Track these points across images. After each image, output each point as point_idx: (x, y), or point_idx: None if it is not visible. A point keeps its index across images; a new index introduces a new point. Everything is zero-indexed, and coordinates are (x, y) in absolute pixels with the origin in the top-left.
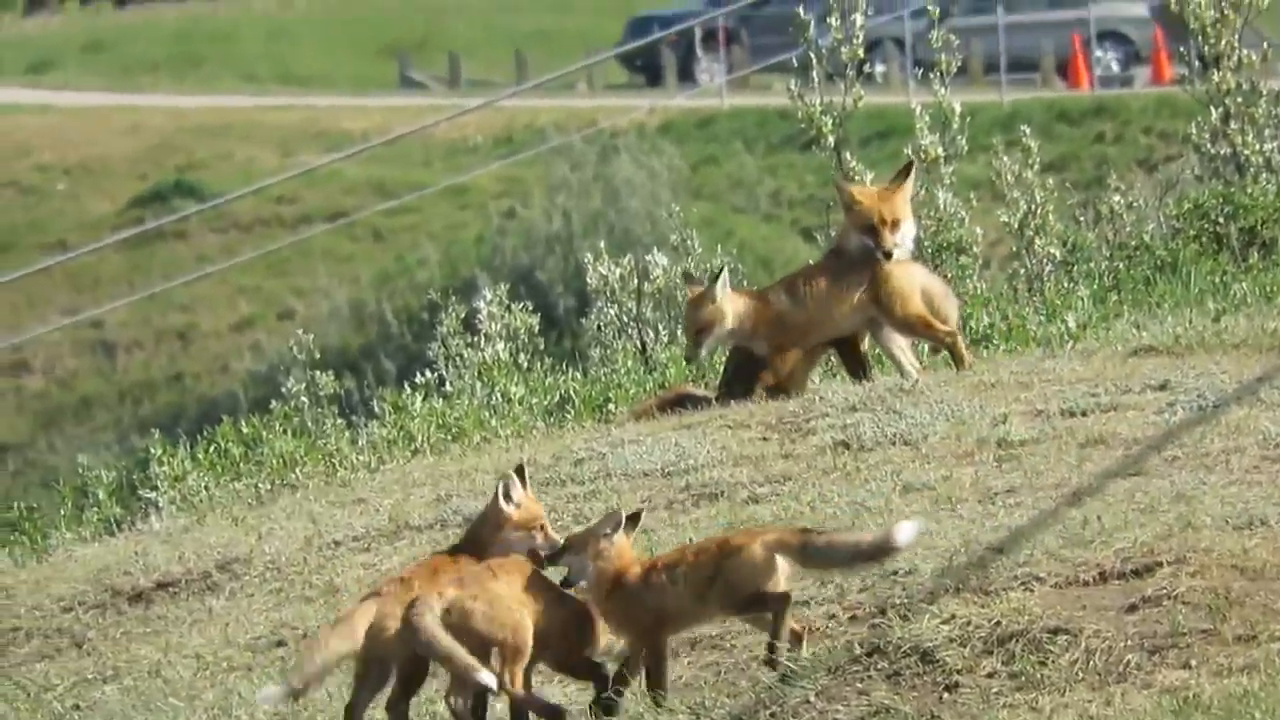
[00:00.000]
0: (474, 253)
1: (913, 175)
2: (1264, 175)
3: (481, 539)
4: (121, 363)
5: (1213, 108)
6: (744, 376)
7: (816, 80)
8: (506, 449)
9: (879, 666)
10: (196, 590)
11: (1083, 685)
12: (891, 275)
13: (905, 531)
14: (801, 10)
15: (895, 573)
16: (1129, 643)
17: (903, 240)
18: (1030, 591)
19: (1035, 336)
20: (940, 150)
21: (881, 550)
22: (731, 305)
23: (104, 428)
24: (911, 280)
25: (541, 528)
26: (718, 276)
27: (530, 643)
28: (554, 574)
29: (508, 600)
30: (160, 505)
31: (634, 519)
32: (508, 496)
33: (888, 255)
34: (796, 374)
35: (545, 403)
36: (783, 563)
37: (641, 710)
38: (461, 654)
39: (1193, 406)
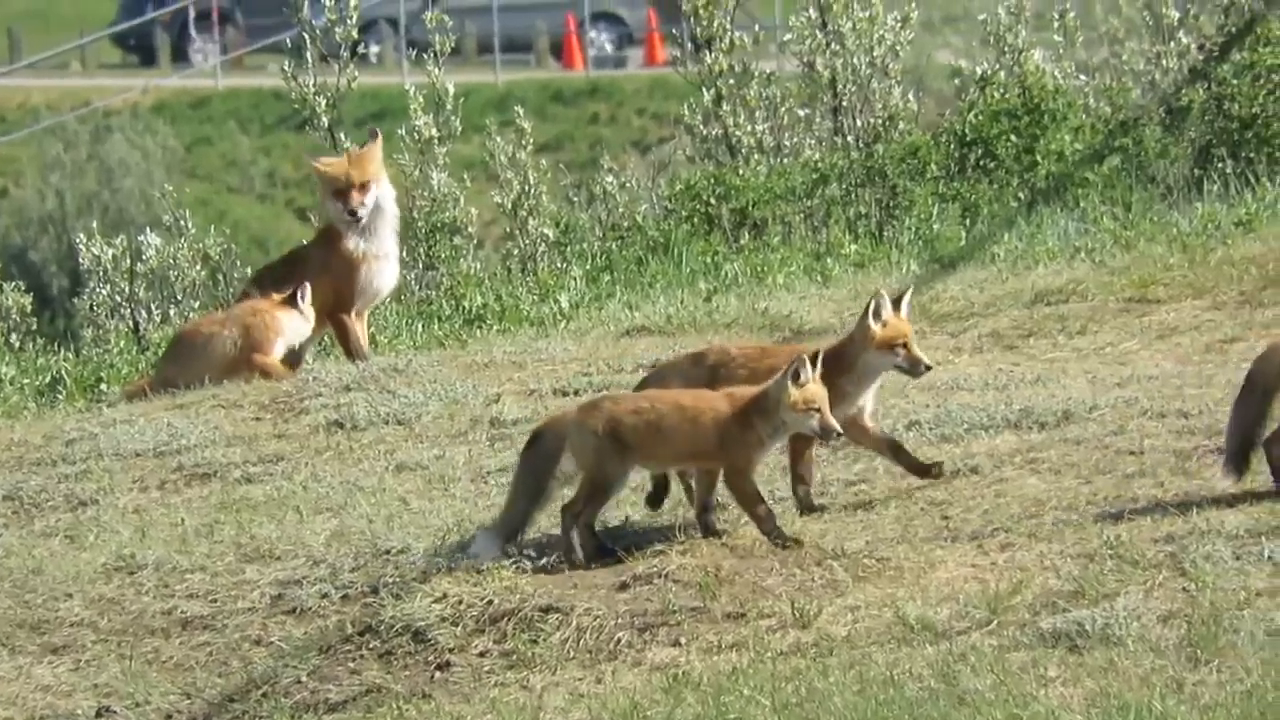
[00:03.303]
0: None
1: (379, 141)
2: (755, 157)
3: (847, 355)
4: None
5: (705, 89)
6: None
7: (310, 61)
8: None
9: (371, 645)
10: None
11: (574, 663)
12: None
13: None
14: None
15: (388, 552)
16: (620, 621)
17: (371, 202)
18: (522, 571)
19: (529, 317)
20: (434, 131)
21: None
22: None
23: None
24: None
25: (905, 345)
26: None
27: None
28: None
29: None
30: None
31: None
32: (877, 315)
33: (354, 215)
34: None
35: (36, 383)
36: None
37: None
38: None
39: None
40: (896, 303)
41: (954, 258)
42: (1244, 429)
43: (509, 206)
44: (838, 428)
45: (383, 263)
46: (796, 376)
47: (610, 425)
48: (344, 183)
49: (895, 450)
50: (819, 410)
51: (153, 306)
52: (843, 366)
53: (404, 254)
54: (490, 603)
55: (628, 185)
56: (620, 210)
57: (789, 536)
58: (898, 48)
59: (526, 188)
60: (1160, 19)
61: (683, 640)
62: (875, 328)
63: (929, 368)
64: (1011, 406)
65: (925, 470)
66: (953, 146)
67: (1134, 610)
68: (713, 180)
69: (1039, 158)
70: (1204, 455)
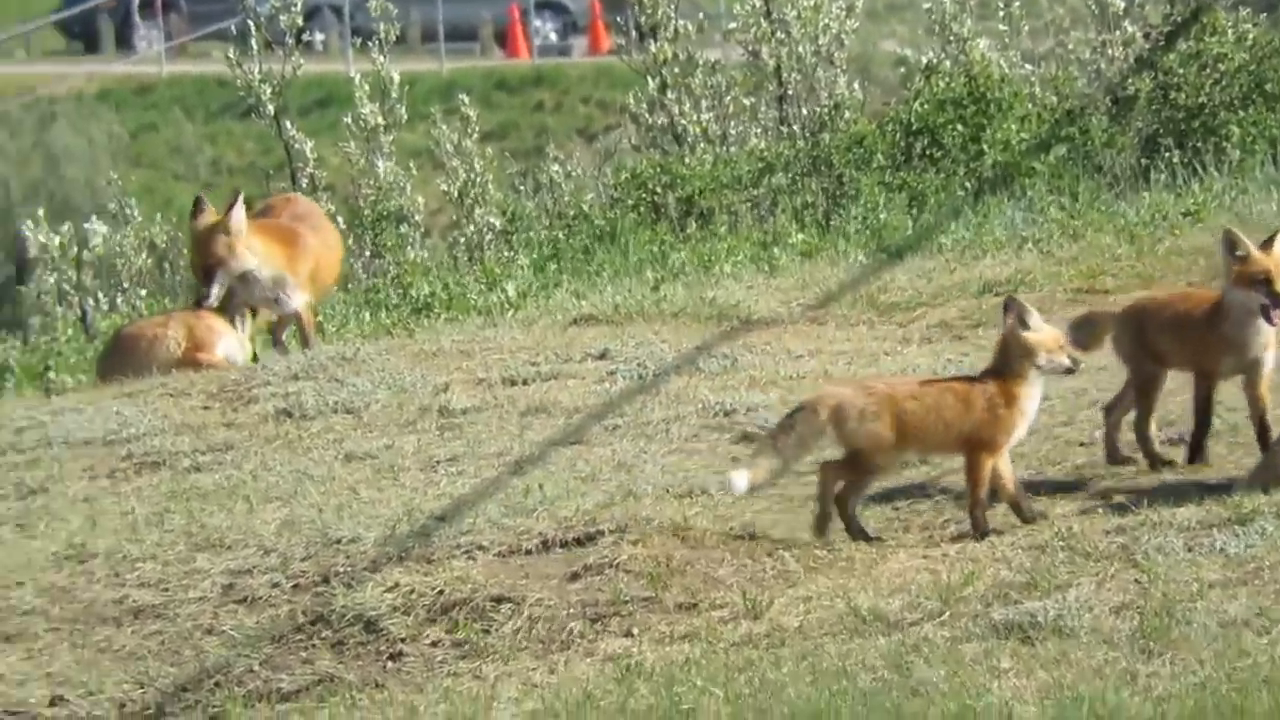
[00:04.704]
0: None
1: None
2: (701, 145)
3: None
4: None
5: (650, 78)
6: None
7: (255, 48)
8: None
9: (323, 635)
10: None
11: (526, 653)
12: None
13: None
14: None
15: (338, 541)
16: (572, 610)
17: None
18: (473, 560)
19: (476, 305)
20: (380, 119)
21: None
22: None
23: None
24: None
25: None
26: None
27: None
28: None
29: None
30: None
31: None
32: (1024, 323)
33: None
34: None
35: None
36: None
37: None
38: None
39: (632, 375)
40: (1269, 242)
41: (901, 247)
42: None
43: (455, 195)
44: (1081, 359)
45: None
46: (1025, 324)
47: (886, 408)
48: None
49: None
50: (1062, 346)
51: (100, 294)
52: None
53: (351, 242)
54: (441, 592)
55: (574, 174)
56: (566, 199)
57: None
58: (843, 36)
59: (473, 176)
60: (1106, 8)
61: (635, 631)
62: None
63: None
64: None
65: None
66: (899, 136)
67: (1086, 602)
68: (659, 169)
69: (985, 147)
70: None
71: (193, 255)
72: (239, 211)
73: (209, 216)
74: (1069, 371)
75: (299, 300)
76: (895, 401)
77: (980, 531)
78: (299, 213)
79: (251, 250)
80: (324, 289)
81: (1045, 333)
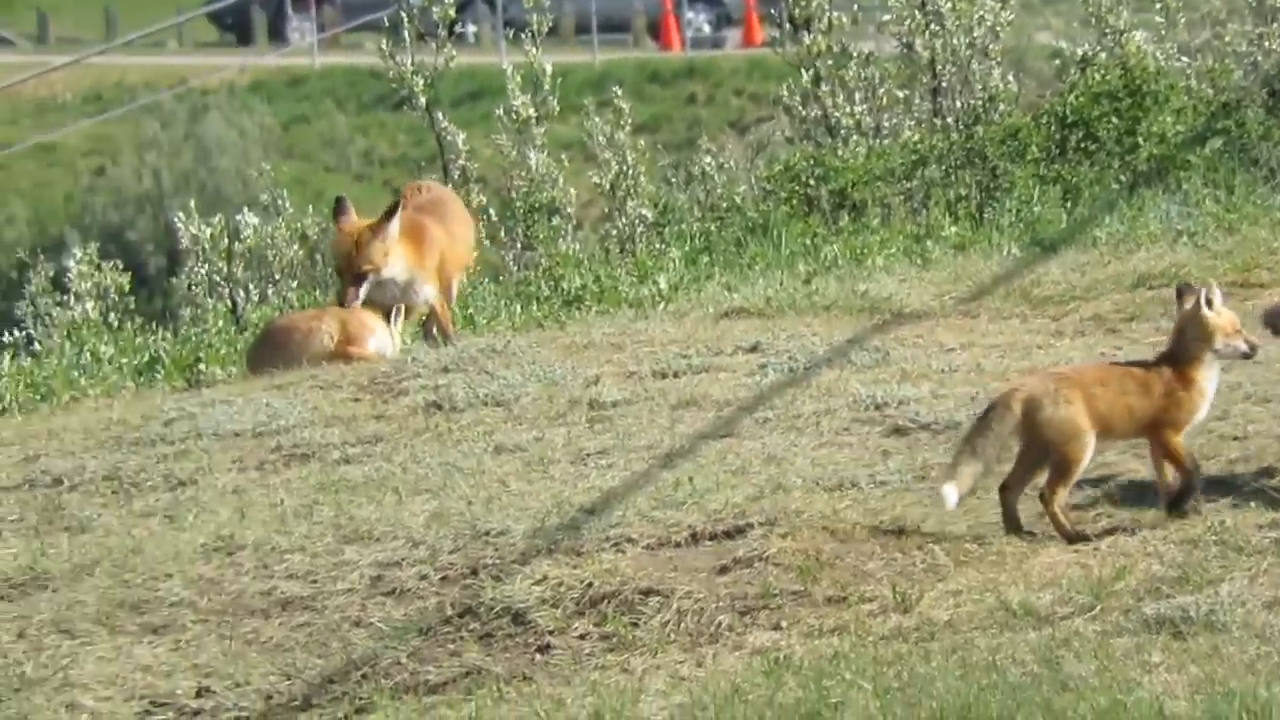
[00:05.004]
0: (63, 211)
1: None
2: (854, 138)
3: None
4: None
5: (803, 70)
6: None
7: (408, 39)
8: (96, 408)
9: (471, 628)
10: None
11: (674, 646)
12: None
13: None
14: None
15: (487, 534)
16: (720, 604)
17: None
18: (622, 553)
19: (627, 298)
20: (532, 111)
21: None
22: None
23: None
24: None
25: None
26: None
27: None
28: None
29: None
30: None
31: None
32: (1209, 304)
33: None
34: None
35: (135, 362)
36: None
37: None
38: None
39: (784, 368)
40: None
41: (1055, 241)
42: None
43: (607, 187)
44: (1259, 345)
45: None
46: (1210, 304)
47: (1077, 396)
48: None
49: None
50: (1239, 330)
51: (250, 286)
52: None
53: (502, 234)
54: (590, 585)
55: (726, 166)
56: (718, 191)
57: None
58: (997, 28)
59: (625, 168)
60: (1263, 0)
61: (783, 624)
62: None
63: None
64: None
65: None
66: (1053, 128)
67: (1239, 596)
68: (811, 161)
69: (1140, 140)
70: None
71: (342, 259)
72: (396, 222)
73: (353, 218)
74: (1246, 356)
75: (429, 293)
76: (1084, 388)
77: (1191, 489)
78: (423, 203)
79: (395, 256)
80: (453, 277)
81: (1224, 316)
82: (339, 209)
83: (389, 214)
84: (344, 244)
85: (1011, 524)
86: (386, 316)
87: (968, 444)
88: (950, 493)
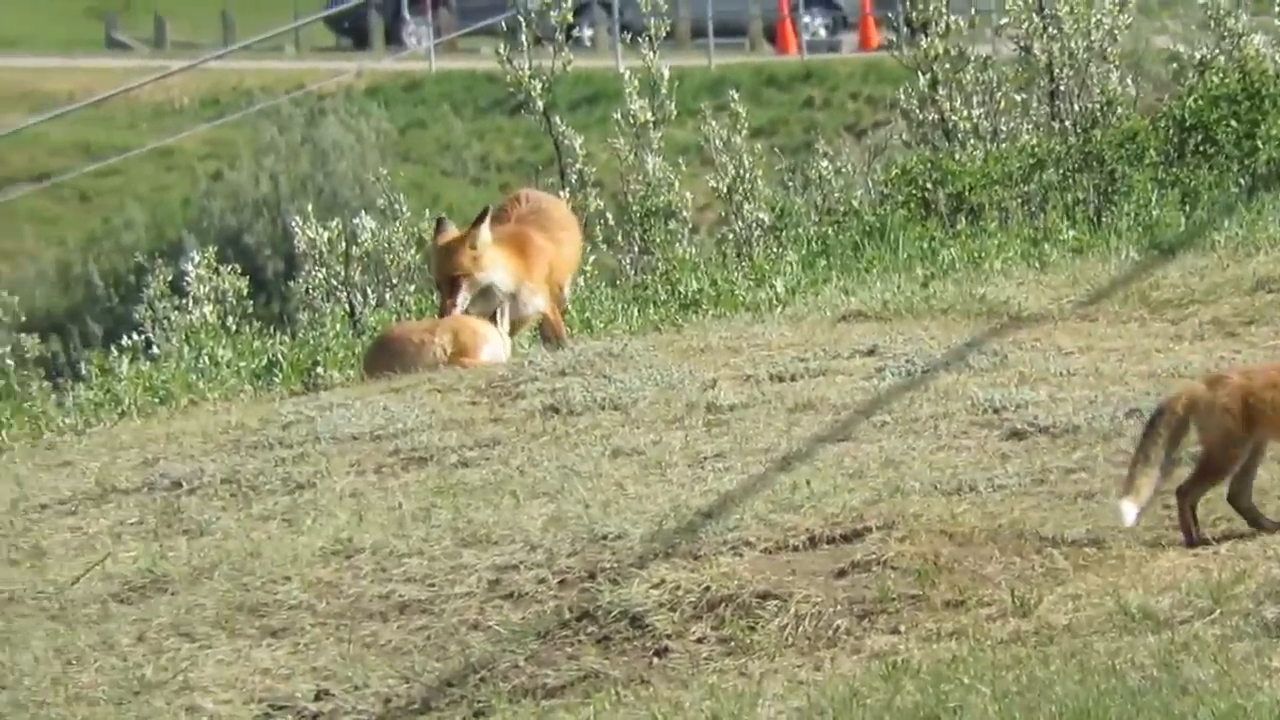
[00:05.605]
0: (181, 215)
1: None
2: (971, 141)
3: None
4: None
5: (920, 73)
6: None
7: (525, 44)
8: (214, 412)
9: (589, 631)
10: None
11: (792, 650)
12: None
13: None
14: None
15: (605, 537)
16: (838, 608)
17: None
18: (740, 556)
19: (744, 301)
20: (649, 115)
21: None
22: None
23: None
24: None
25: None
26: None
27: None
28: None
29: None
30: None
31: None
32: None
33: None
34: None
35: (253, 366)
36: None
37: None
38: None
39: (901, 372)
40: None
41: (1173, 244)
42: None
43: (724, 191)
44: None
45: None
46: None
47: (1243, 400)
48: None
49: None
50: None
51: (368, 290)
52: None
53: (619, 238)
54: (708, 589)
55: (843, 170)
56: (835, 195)
57: None
58: (1115, 32)
59: (741, 172)
60: None
61: (902, 628)
62: None
63: None
64: None
65: None
66: (1171, 132)
67: None
68: (929, 165)
69: (1260, 143)
70: None
71: (437, 268)
72: (486, 228)
73: (451, 234)
74: None
75: (539, 303)
76: (1250, 392)
77: None
78: (524, 213)
79: (494, 264)
80: (563, 283)
81: None
82: (438, 229)
83: (478, 221)
84: (434, 253)
85: (1187, 528)
86: (493, 319)
87: (1141, 454)
88: (1129, 510)
